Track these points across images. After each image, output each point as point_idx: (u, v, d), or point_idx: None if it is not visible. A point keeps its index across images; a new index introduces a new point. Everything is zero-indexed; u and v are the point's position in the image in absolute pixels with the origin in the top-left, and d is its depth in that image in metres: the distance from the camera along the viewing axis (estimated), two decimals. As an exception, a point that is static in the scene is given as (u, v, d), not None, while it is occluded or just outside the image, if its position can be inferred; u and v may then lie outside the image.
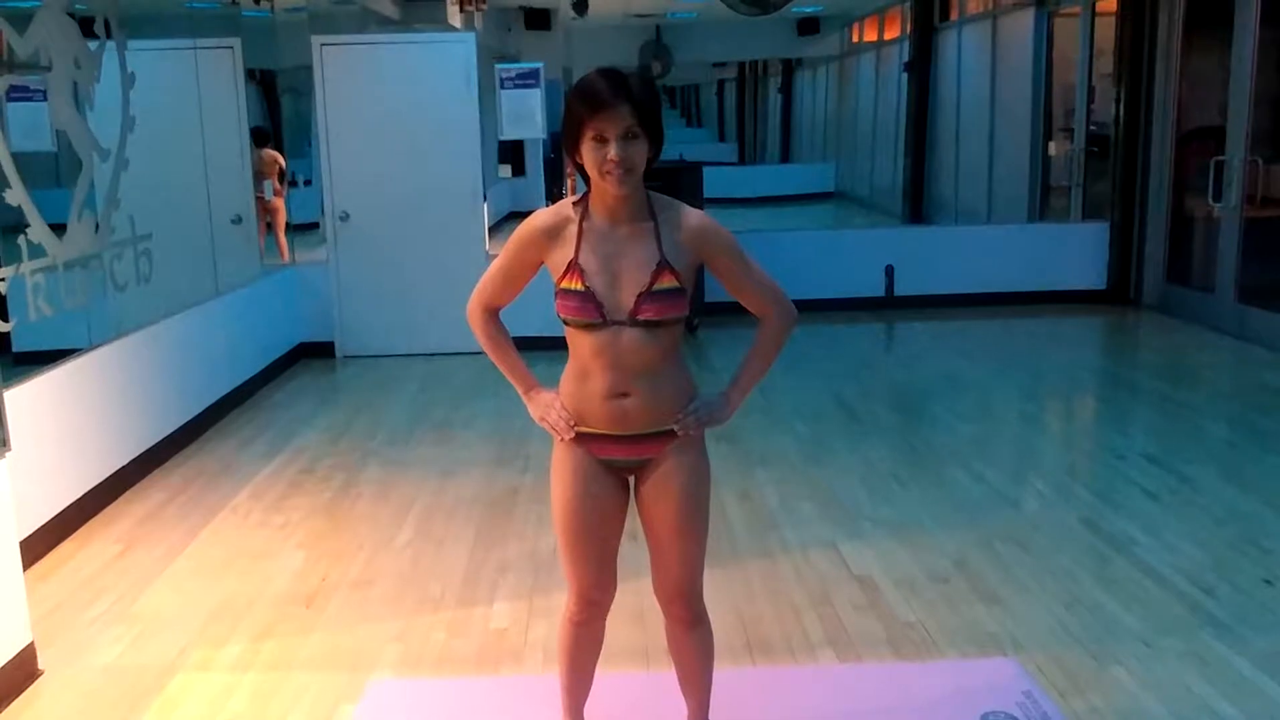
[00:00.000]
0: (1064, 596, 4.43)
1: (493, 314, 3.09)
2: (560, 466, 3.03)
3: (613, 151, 2.67)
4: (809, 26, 20.91)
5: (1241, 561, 4.72)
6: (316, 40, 8.96)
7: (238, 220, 8.27)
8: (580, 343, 2.88)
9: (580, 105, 2.69)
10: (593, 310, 2.80)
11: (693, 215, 2.86)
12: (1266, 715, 3.55)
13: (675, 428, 2.92)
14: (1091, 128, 11.51)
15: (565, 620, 3.23)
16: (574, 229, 2.84)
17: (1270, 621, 4.19)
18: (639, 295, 2.78)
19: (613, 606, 4.44)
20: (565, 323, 2.87)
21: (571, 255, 2.82)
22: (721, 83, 33.29)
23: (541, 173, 14.98)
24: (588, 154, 2.71)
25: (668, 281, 2.79)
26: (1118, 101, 10.37)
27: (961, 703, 3.65)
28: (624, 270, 2.80)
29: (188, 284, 7.32)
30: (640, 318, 2.79)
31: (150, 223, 6.37)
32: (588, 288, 2.79)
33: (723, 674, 3.90)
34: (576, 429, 2.97)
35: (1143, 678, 3.78)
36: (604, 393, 2.88)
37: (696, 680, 3.25)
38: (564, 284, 2.83)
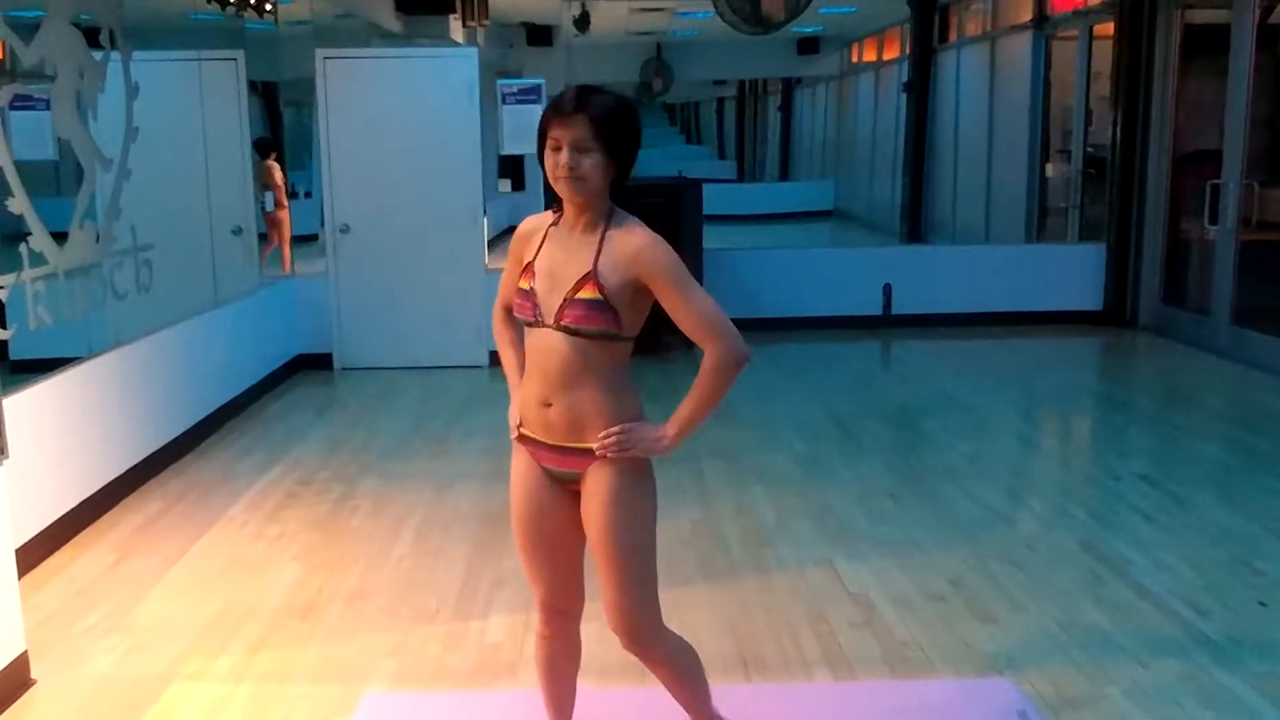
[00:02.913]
0: (1059, 616, 4.43)
1: (507, 312, 3.11)
2: (512, 469, 3.07)
3: (563, 158, 2.77)
4: (809, 46, 20.98)
5: (1236, 583, 4.73)
6: (320, 53, 9.00)
7: (238, 231, 8.27)
8: (527, 343, 2.96)
9: (546, 112, 2.84)
10: (529, 309, 2.89)
11: (637, 235, 2.83)
12: (1261, 737, 3.55)
13: (594, 448, 2.89)
14: (1089, 150, 11.55)
15: (536, 633, 3.23)
16: (543, 233, 2.95)
17: (1264, 643, 4.19)
18: (563, 300, 2.83)
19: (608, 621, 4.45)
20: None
21: (533, 256, 2.92)
22: (721, 101, 33.39)
23: (541, 188, 15.03)
24: (546, 159, 2.84)
25: (588, 292, 2.80)
26: (1115, 124, 10.40)
27: (957, 721, 3.65)
28: (561, 276, 2.86)
29: (187, 294, 7.31)
30: (561, 322, 2.83)
31: (151, 233, 6.38)
32: (531, 287, 2.89)
33: (717, 690, 3.91)
34: (520, 429, 3.01)
35: (1137, 698, 3.78)
36: (536, 396, 2.92)
37: (680, 699, 3.23)
38: (519, 282, 2.93)
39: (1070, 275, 10.71)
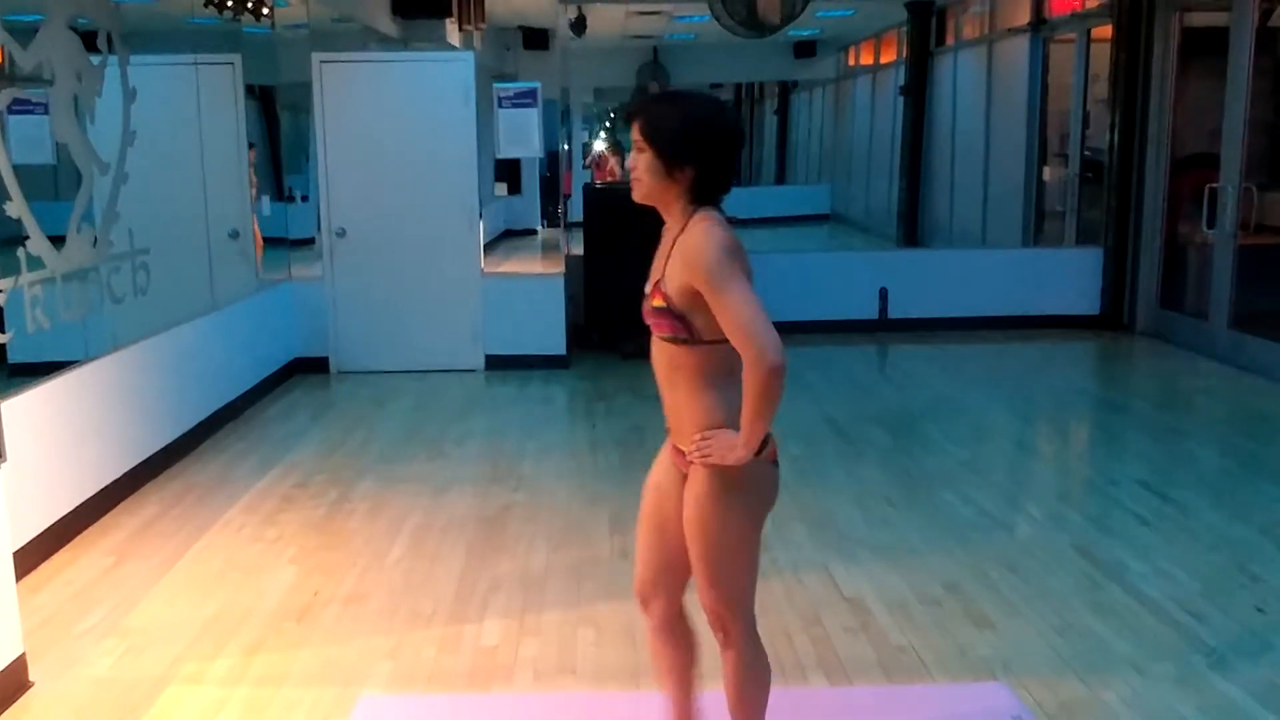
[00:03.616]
0: (1055, 621, 4.43)
1: None
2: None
3: (629, 160, 2.89)
4: (806, 50, 20.99)
5: (1233, 588, 4.73)
6: (316, 57, 9.01)
7: (234, 235, 8.27)
8: None
9: None
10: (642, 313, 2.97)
11: (693, 238, 2.80)
12: (1257, 743, 3.55)
13: (685, 451, 2.93)
14: (1086, 153, 11.56)
15: None
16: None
17: (1261, 648, 4.19)
18: (647, 308, 2.91)
19: (604, 625, 4.47)
20: None
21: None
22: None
23: (538, 191, 15.00)
24: None
25: (657, 300, 2.86)
26: (1112, 128, 10.41)
27: (952, 727, 3.65)
28: (651, 283, 2.93)
29: (184, 298, 7.31)
30: (649, 328, 2.91)
31: (148, 236, 6.40)
32: (647, 293, 2.95)
33: (713, 695, 3.91)
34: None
35: (1133, 704, 3.78)
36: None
37: (730, 705, 3.19)
38: None
39: (1068, 279, 10.72)
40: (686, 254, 2.79)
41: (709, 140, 2.84)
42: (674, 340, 2.86)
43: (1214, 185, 9.14)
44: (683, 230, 2.85)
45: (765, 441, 2.85)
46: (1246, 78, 8.83)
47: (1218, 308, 9.29)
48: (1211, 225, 9.18)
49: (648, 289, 2.91)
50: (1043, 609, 4.55)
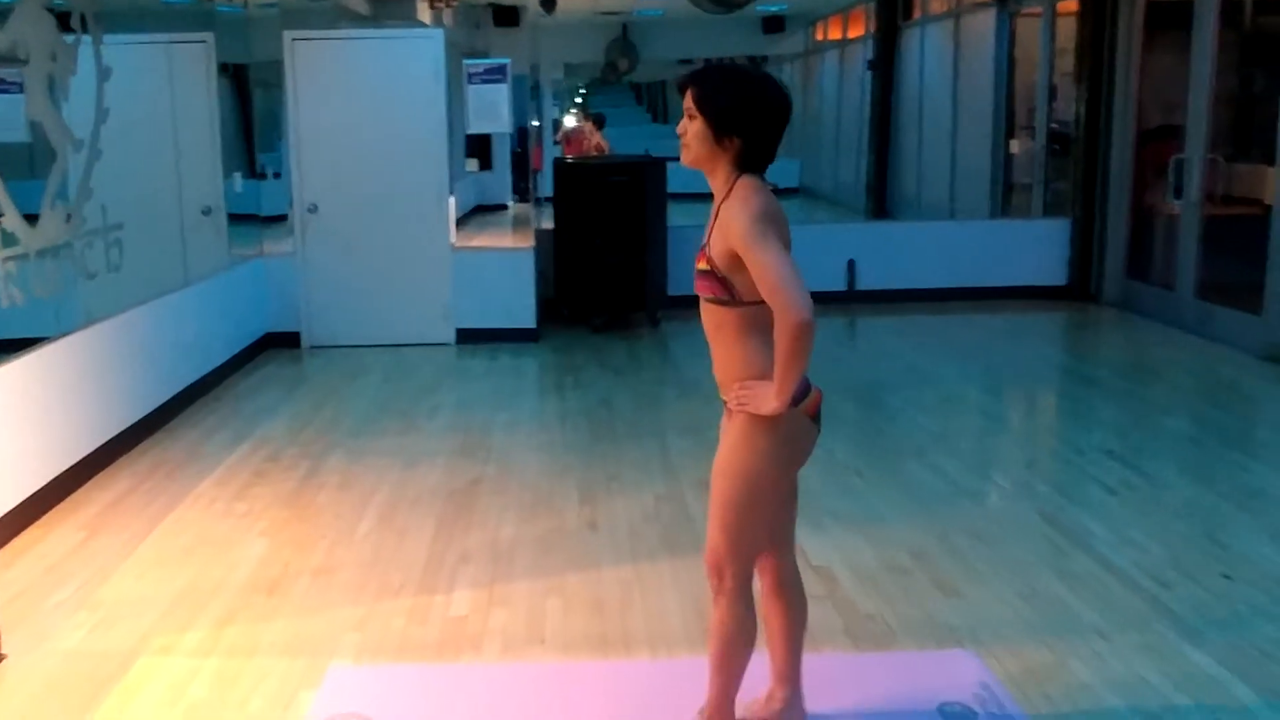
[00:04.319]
0: (1022, 589, 4.45)
1: None
2: None
3: (680, 126, 3.01)
4: (774, 24, 20.91)
5: (1200, 556, 4.75)
6: (288, 35, 9.02)
7: (207, 211, 8.27)
8: None
9: None
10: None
11: (735, 203, 2.92)
12: (1223, 709, 3.56)
13: (726, 401, 3.09)
14: (1053, 126, 11.58)
15: None
16: None
17: (1228, 616, 4.21)
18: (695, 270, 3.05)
19: (572, 595, 4.49)
20: None
21: None
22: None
23: (509, 167, 14.94)
24: None
25: (701, 263, 3.00)
26: (1079, 100, 10.44)
27: (919, 694, 3.66)
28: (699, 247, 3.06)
29: (157, 273, 7.31)
30: (696, 290, 3.04)
31: (122, 213, 6.45)
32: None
33: (680, 663, 3.93)
34: None
35: (1099, 670, 3.80)
36: None
37: (711, 665, 3.26)
38: None
39: (1035, 250, 10.76)
40: (727, 219, 2.92)
41: (758, 113, 2.95)
42: (716, 301, 3.00)
43: (1180, 156, 9.17)
44: (726, 197, 2.97)
45: (805, 394, 3.03)
46: (1211, 50, 8.85)
47: (1184, 278, 9.33)
48: (1178, 196, 9.21)
49: (697, 254, 3.04)
50: (1009, 577, 4.56)
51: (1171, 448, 6.46)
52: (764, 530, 3.16)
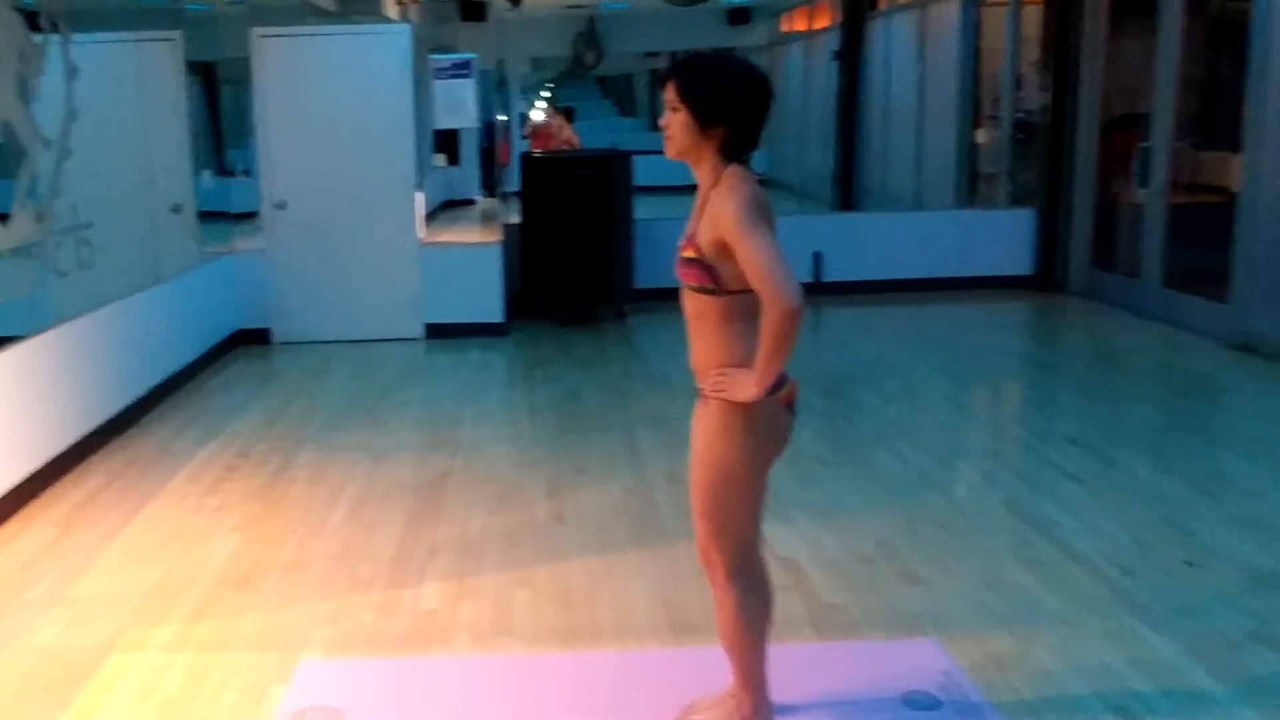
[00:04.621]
0: (986, 577, 4.46)
1: None
2: None
3: (662, 119, 3.02)
4: (739, 16, 20.93)
5: (1163, 543, 4.78)
6: (255, 32, 8.99)
7: (177, 209, 8.25)
8: None
9: None
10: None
11: (723, 192, 2.95)
12: (1184, 694, 3.58)
13: (702, 388, 3.10)
14: (1019, 115, 11.61)
15: None
16: None
17: (1190, 602, 4.23)
18: (677, 258, 3.06)
19: (541, 587, 4.49)
20: None
21: None
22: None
23: (477, 162, 14.90)
24: None
25: (688, 251, 3.01)
26: (1044, 89, 10.48)
27: (883, 683, 3.66)
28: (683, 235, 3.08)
29: (128, 271, 7.30)
30: (678, 277, 3.05)
31: (92, 211, 6.45)
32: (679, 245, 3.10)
33: (648, 654, 3.93)
34: None
35: (1063, 657, 3.81)
36: None
37: (727, 646, 3.28)
38: None
39: (1001, 240, 10.79)
40: (716, 209, 2.94)
41: (740, 101, 2.98)
42: (700, 289, 3.01)
43: (1145, 145, 9.21)
44: (713, 187, 2.99)
45: (782, 384, 3.04)
46: (1177, 39, 8.89)
47: (1149, 267, 9.38)
48: (1143, 185, 9.25)
49: (680, 242, 3.05)
50: (973, 565, 4.58)
51: (1136, 436, 6.48)
52: (750, 517, 3.17)
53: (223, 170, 9.48)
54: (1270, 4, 7.78)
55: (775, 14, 21.24)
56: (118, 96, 7.40)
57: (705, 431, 3.10)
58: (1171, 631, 3.98)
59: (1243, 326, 8.12)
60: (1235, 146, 8.24)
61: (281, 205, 9.13)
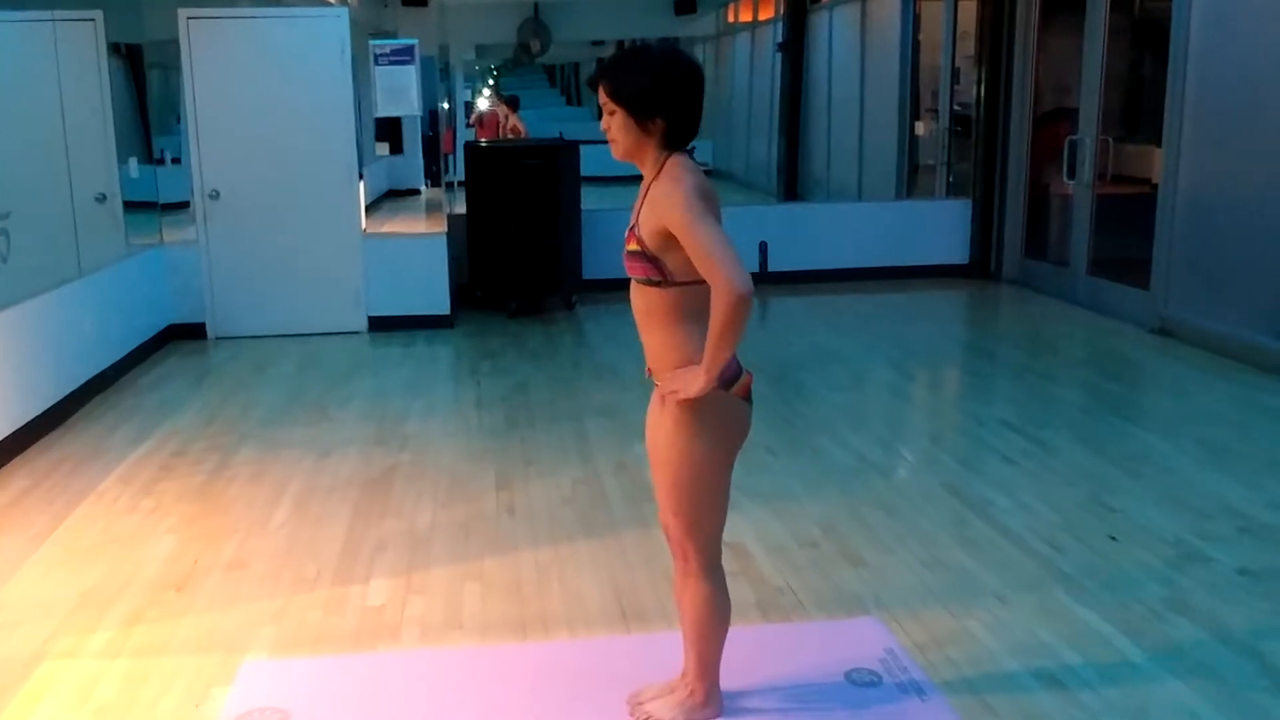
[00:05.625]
0: (925, 557, 4.64)
1: None
2: None
3: (603, 124, 3.00)
4: (686, 6, 20.95)
5: (1089, 520, 5.00)
6: (183, 13, 8.77)
7: (102, 198, 8.07)
8: None
9: None
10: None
11: (664, 182, 2.95)
12: (1111, 665, 3.78)
13: (657, 385, 3.12)
14: (956, 108, 11.84)
15: None
16: None
17: (1114, 575, 4.44)
18: (623, 253, 3.05)
19: (491, 579, 4.55)
20: None
21: None
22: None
23: (420, 150, 14.86)
24: None
25: (631, 244, 3.00)
26: (979, 83, 10.69)
27: (826, 661, 3.79)
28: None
29: (49, 264, 7.10)
30: (627, 272, 3.04)
31: (7, 200, 6.19)
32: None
33: (599, 643, 4.02)
34: None
35: (996, 631, 3.99)
36: None
37: (686, 633, 3.35)
38: None
39: (939, 230, 11.02)
40: (658, 198, 2.93)
41: (675, 89, 2.96)
42: (648, 283, 3.01)
43: (1074, 138, 9.45)
44: (655, 177, 2.99)
45: (737, 377, 3.06)
46: (1103, 34, 9.13)
47: (1077, 255, 9.65)
48: (1071, 177, 9.50)
49: (626, 235, 3.03)
50: (913, 546, 4.76)
51: (1065, 418, 6.71)
52: (719, 509, 3.24)
53: (151, 158, 9.24)
54: (1189, 3, 8.02)
55: (722, 4, 21.31)
56: (33, 78, 7.12)
57: (665, 433, 3.10)
58: (1096, 603, 4.19)
59: (1162, 312, 8.40)
60: (1158, 140, 8.49)
61: (215, 195, 8.98)
